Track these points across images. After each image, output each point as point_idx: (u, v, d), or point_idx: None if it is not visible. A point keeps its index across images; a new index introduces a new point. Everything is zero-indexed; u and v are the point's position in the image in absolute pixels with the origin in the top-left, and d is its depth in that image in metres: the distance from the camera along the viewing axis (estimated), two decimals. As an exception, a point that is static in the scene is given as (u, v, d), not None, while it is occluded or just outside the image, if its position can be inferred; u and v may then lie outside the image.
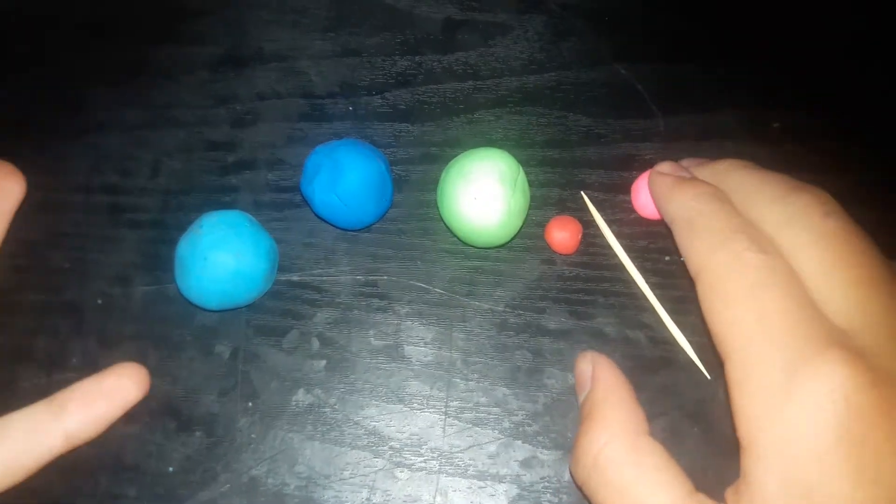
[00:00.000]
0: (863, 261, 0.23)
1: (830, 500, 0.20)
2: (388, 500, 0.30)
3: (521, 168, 0.31)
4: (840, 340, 0.21)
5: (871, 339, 0.21)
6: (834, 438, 0.20)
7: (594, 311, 0.32)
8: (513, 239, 0.33)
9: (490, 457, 0.30)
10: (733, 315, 0.23)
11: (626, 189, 0.33)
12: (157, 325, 0.32)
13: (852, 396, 0.20)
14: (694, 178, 0.28)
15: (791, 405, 0.20)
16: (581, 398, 0.28)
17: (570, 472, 0.27)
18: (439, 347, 0.32)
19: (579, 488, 0.26)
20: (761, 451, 0.21)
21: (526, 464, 0.30)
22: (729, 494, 0.22)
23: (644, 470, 0.24)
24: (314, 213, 0.33)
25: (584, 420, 0.26)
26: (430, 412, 0.31)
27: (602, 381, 0.27)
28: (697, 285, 0.25)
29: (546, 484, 0.30)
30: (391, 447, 0.31)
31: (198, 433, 0.31)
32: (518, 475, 0.30)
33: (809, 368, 0.20)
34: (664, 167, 0.30)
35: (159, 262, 0.33)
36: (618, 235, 0.33)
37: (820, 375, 0.20)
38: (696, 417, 0.31)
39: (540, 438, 0.31)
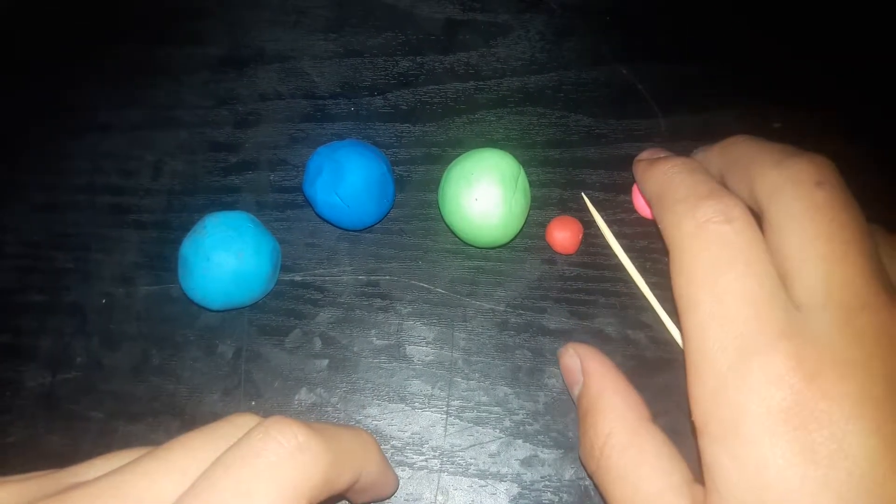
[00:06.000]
0: (842, 236, 0.22)
1: (783, 478, 0.20)
2: (389, 499, 0.30)
3: (522, 168, 0.32)
4: (792, 328, 0.21)
5: (825, 320, 0.21)
6: (782, 421, 0.20)
7: (595, 311, 0.32)
8: (514, 239, 0.33)
9: (491, 456, 0.31)
10: (694, 295, 0.23)
11: (627, 189, 0.33)
12: (161, 325, 0.33)
13: (796, 385, 0.20)
14: (669, 157, 0.28)
15: (741, 392, 0.21)
16: (575, 393, 0.28)
17: (581, 464, 0.27)
18: (441, 347, 0.32)
19: (590, 478, 0.26)
20: (714, 432, 0.21)
21: (527, 463, 0.30)
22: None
23: (644, 456, 0.24)
24: (316, 213, 0.33)
25: (584, 415, 0.26)
26: (431, 411, 0.31)
27: (594, 373, 0.27)
28: (669, 259, 0.24)
29: (547, 483, 0.30)
30: (393, 446, 0.31)
31: (201, 432, 0.31)
32: (519, 474, 0.30)
33: (758, 359, 0.21)
34: (643, 154, 0.30)
35: (162, 262, 0.34)
36: (618, 236, 0.33)
37: (767, 366, 0.21)
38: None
39: (541, 437, 0.31)
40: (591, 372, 0.27)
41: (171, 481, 0.19)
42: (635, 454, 0.24)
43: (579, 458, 0.27)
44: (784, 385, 0.20)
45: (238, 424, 0.21)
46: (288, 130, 0.35)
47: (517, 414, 0.31)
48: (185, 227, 0.32)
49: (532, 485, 0.30)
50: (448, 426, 0.31)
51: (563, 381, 0.30)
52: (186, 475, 0.19)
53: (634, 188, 0.33)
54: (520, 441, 0.31)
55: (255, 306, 0.33)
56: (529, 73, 0.36)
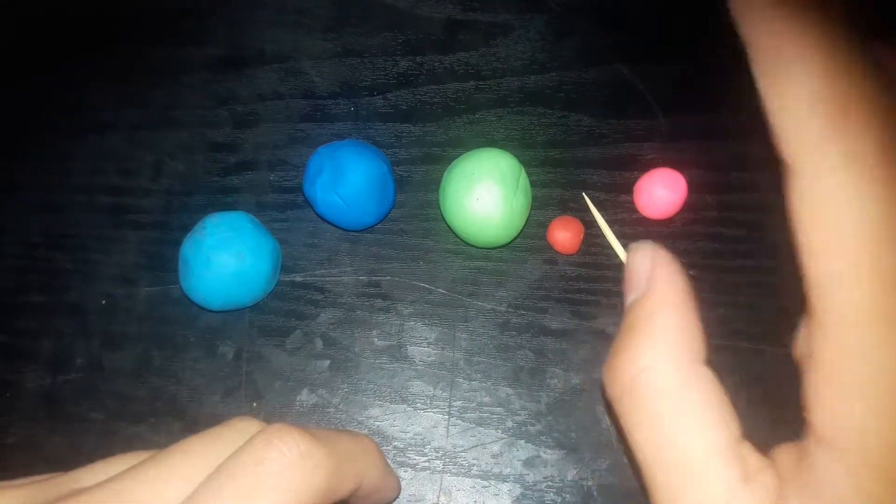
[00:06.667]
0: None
1: None
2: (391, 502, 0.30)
3: (522, 168, 0.32)
4: None
5: None
6: None
7: (596, 311, 0.32)
8: (515, 239, 0.33)
9: (493, 456, 0.31)
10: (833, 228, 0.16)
11: (628, 189, 0.33)
12: (161, 326, 0.33)
13: None
14: None
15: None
16: (629, 299, 0.21)
17: (602, 384, 0.22)
18: (442, 347, 0.32)
19: (608, 403, 0.22)
20: (845, 452, 0.16)
21: (529, 463, 0.30)
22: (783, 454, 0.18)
23: (688, 404, 0.19)
24: (317, 213, 0.33)
25: (627, 329, 0.20)
26: (433, 412, 0.31)
27: (661, 284, 0.21)
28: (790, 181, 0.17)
29: (549, 483, 0.30)
30: (395, 447, 0.31)
31: (202, 433, 0.31)
32: (521, 475, 0.30)
33: None
34: None
35: (163, 263, 0.33)
36: (620, 235, 0.33)
37: None
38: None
39: (543, 438, 0.31)
40: (657, 280, 0.21)
41: (173, 488, 0.18)
42: (677, 400, 0.19)
43: (602, 376, 0.22)
44: None
45: (240, 429, 0.20)
46: (288, 130, 0.35)
47: (519, 414, 0.31)
48: (186, 228, 0.32)
49: (535, 485, 0.30)
50: (450, 427, 0.31)
51: (623, 285, 0.22)
52: (188, 481, 0.18)
53: (636, 188, 0.33)
54: (522, 441, 0.31)
55: (255, 307, 0.33)
56: (530, 72, 0.36)
